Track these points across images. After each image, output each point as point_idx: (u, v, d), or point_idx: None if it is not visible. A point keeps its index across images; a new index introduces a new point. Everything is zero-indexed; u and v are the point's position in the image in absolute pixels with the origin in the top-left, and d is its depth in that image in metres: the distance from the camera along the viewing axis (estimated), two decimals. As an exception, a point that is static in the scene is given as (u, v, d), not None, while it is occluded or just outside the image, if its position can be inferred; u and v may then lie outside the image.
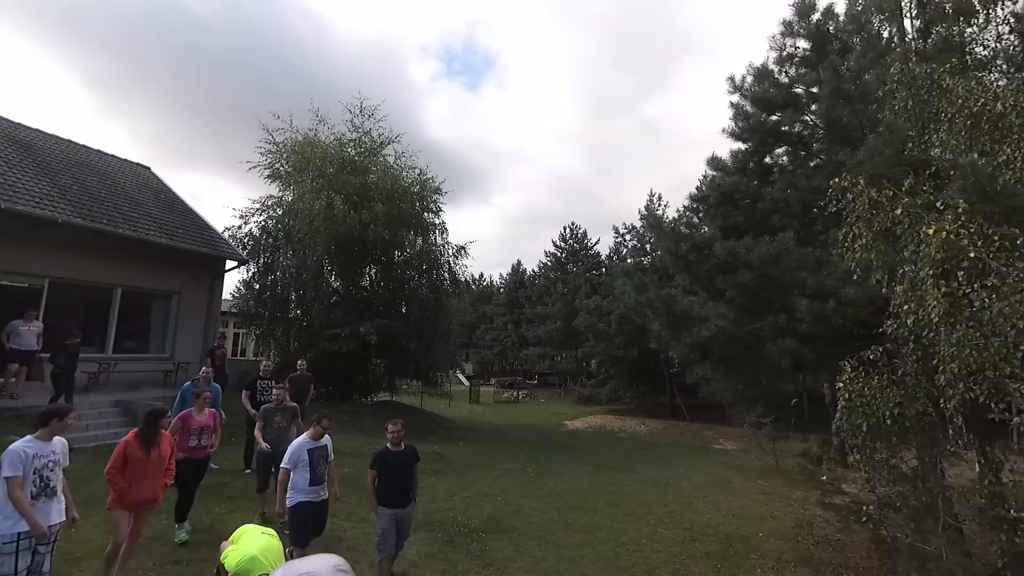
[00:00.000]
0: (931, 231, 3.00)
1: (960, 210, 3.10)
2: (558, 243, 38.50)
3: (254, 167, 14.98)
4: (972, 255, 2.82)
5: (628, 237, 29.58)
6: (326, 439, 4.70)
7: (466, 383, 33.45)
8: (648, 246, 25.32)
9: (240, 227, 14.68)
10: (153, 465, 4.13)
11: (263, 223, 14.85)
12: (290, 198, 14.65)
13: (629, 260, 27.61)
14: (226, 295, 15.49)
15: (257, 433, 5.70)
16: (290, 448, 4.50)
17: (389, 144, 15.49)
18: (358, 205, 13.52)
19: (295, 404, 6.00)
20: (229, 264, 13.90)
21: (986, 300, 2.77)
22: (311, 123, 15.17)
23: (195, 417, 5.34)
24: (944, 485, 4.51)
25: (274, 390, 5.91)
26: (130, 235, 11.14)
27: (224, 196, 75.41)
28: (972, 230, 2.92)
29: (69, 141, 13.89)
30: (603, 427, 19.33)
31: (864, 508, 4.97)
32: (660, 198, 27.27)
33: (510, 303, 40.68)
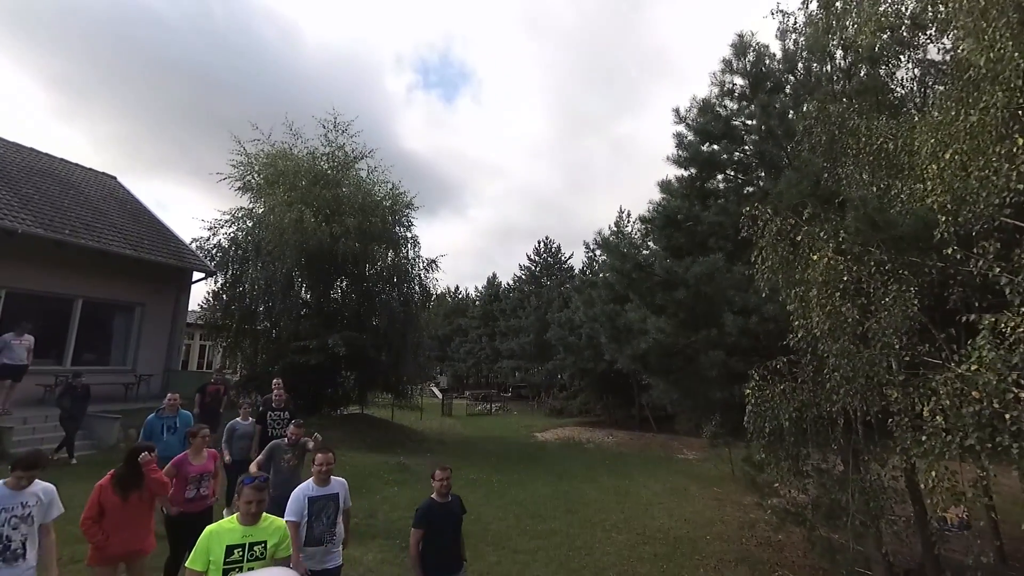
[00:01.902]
0: (816, 257, 3.49)
1: (840, 239, 3.61)
2: (532, 257, 39.17)
3: (225, 179, 15.01)
4: (846, 278, 3.31)
5: (598, 253, 30.34)
6: (336, 485, 3.68)
7: (439, 396, 33.37)
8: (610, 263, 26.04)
9: (208, 238, 14.63)
10: (132, 512, 3.49)
11: (232, 235, 14.83)
12: (261, 210, 14.69)
13: (601, 275, 28.30)
14: (192, 306, 15.35)
15: (252, 466, 4.60)
16: (292, 496, 3.64)
17: (362, 159, 15.74)
18: (329, 218, 13.67)
19: (307, 439, 5.08)
20: (196, 276, 13.84)
21: (858, 316, 3.25)
22: (285, 136, 15.35)
23: (191, 462, 4.27)
24: (858, 483, 4.99)
25: (291, 426, 4.98)
26: (93, 246, 11.05)
27: (190, 205, 73.95)
28: (848, 258, 3.42)
29: (32, 149, 13.70)
30: (572, 439, 19.64)
31: (786, 508, 5.41)
32: (628, 215, 28.15)
33: (485, 316, 40.92)
